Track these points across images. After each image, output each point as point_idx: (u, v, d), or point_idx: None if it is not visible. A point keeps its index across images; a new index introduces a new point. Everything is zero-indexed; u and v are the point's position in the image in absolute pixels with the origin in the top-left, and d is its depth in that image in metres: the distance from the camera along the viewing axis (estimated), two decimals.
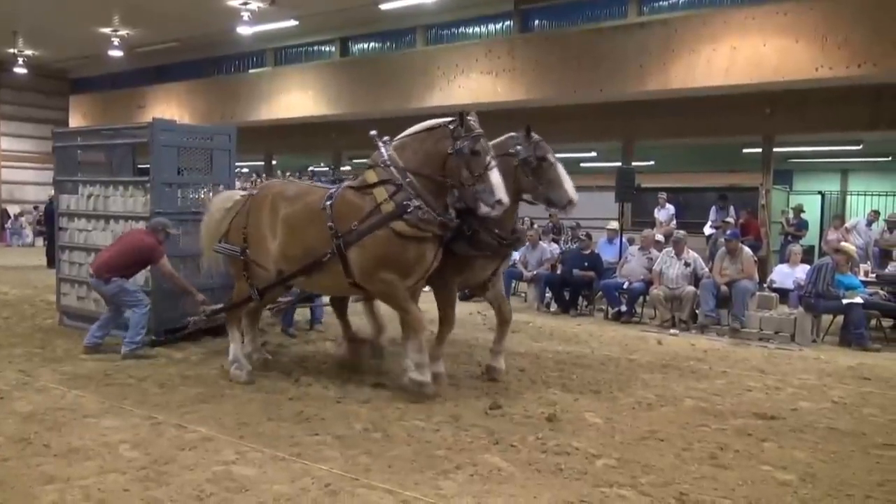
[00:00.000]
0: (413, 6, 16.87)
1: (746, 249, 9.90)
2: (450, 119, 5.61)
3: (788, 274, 10.61)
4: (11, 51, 22.52)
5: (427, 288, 6.30)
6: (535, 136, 5.97)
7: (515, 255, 11.11)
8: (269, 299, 6.65)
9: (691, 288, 9.64)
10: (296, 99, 20.17)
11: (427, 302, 6.35)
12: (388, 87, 17.98)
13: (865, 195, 16.38)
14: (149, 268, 7.35)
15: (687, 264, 9.78)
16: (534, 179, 5.93)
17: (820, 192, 17.30)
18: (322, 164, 20.95)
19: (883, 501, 4.02)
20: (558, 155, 6.06)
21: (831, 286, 9.06)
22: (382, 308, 6.81)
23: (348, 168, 21.30)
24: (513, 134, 6.09)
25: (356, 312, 7.38)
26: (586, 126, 16.14)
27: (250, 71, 22.59)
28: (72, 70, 26.70)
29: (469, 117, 5.50)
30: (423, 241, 5.56)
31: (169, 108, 22.52)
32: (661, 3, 15.45)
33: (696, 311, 9.65)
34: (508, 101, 15.89)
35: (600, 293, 11.01)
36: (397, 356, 6.56)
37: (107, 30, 20.65)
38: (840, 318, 9.19)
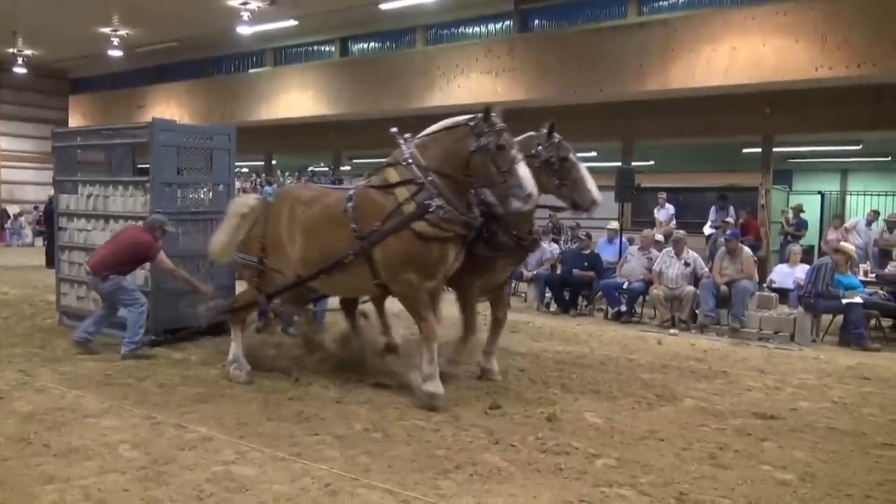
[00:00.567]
0: (413, 6, 16.87)
1: (746, 249, 9.90)
2: (469, 116, 5.53)
3: (788, 274, 10.62)
4: (11, 50, 22.49)
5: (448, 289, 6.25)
6: (556, 135, 5.87)
7: None
8: (286, 301, 6.64)
9: (691, 288, 9.64)
10: (295, 99, 20.15)
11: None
12: (388, 87, 17.95)
13: (865, 195, 16.34)
14: (148, 267, 7.35)
15: (687, 264, 9.78)
16: (557, 181, 5.85)
17: (820, 192, 17.26)
18: (322, 164, 21.02)
19: (882, 501, 4.02)
20: None
21: (831, 286, 9.07)
22: (396, 307, 6.79)
23: (348, 168, 21.35)
24: (533, 133, 5.99)
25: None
26: (586, 126, 16.09)
27: (250, 71, 22.56)
28: (71, 70, 26.69)
29: (492, 113, 5.41)
30: (446, 241, 5.49)
31: (169, 107, 22.51)
32: (660, 3, 15.44)
33: (696, 311, 9.65)
34: (508, 101, 15.79)
35: (600, 293, 11.01)
36: (404, 356, 6.60)
37: (106, 30, 20.64)
38: (840, 318, 9.20)
